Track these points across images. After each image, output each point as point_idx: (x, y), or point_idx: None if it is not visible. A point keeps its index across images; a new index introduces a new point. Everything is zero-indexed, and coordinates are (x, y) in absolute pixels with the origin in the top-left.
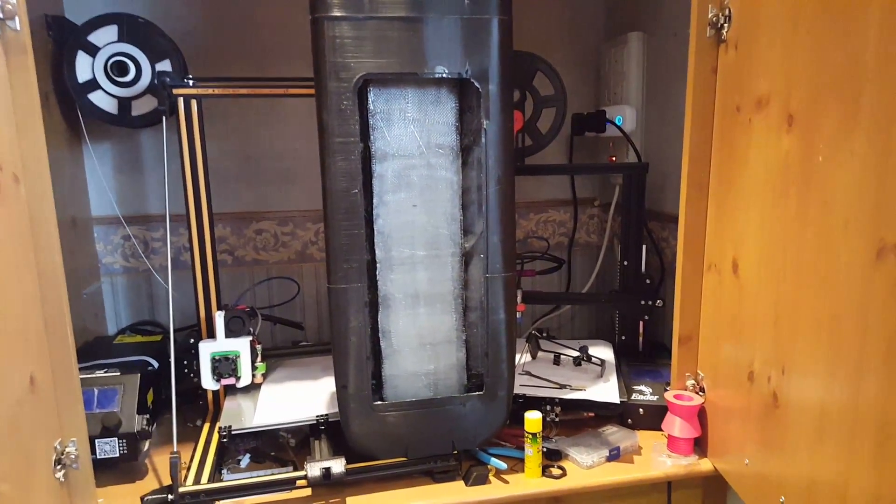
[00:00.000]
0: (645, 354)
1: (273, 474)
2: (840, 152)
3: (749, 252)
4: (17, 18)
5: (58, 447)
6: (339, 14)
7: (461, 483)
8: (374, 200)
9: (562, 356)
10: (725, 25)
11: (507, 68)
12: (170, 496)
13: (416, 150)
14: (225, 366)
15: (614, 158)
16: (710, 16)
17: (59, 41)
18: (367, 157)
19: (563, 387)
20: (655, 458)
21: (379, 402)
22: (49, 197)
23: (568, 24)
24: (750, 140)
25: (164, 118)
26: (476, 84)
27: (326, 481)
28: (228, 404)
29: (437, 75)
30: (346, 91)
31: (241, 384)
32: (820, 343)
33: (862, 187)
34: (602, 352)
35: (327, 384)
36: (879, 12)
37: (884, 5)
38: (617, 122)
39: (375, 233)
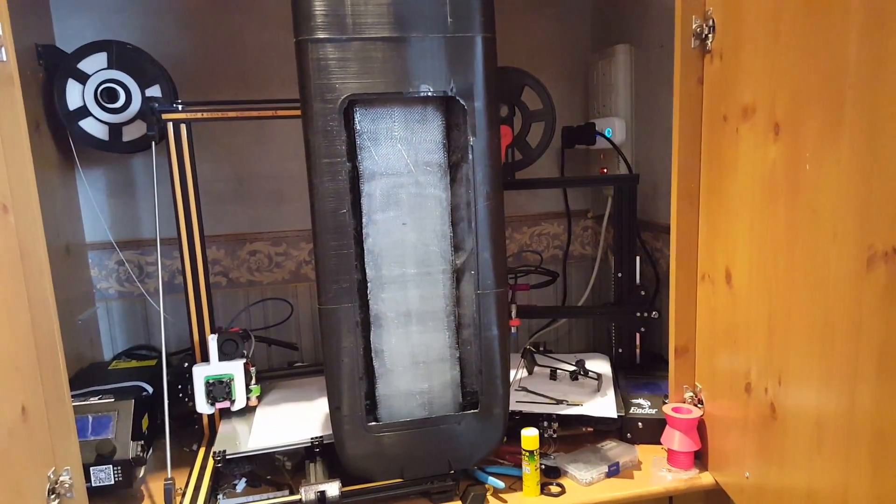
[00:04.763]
0: (642, 367)
1: (269, 498)
2: (826, 160)
3: (741, 261)
4: (3, 49)
5: (51, 476)
6: (322, 36)
7: (459, 503)
8: (364, 219)
9: (558, 371)
10: (710, 36)
11: (492, 85)
12: None
13: (403, 169)
14: (219, 389)
15: (605, 170)
16: (694, 27)
17: (49, 69)
18: (354, 177)
19: (559, 402)
20: (655, 472)
21: (373, 423)
22: (38, 226)
23: (555, 38)
24: (738, 149)
25: (153, 143)
26: (461, 101)
27: None
28: (223, 428)
29: (422, 94)
30: (332, 112)
31: (235, 407)
32: (814, 353)
33: (849, 195)
34: (599, 365)
35: (322, 405)
36: (859, 19)
37: (863, 12)
38: (606, 134)
39: (365, 252)
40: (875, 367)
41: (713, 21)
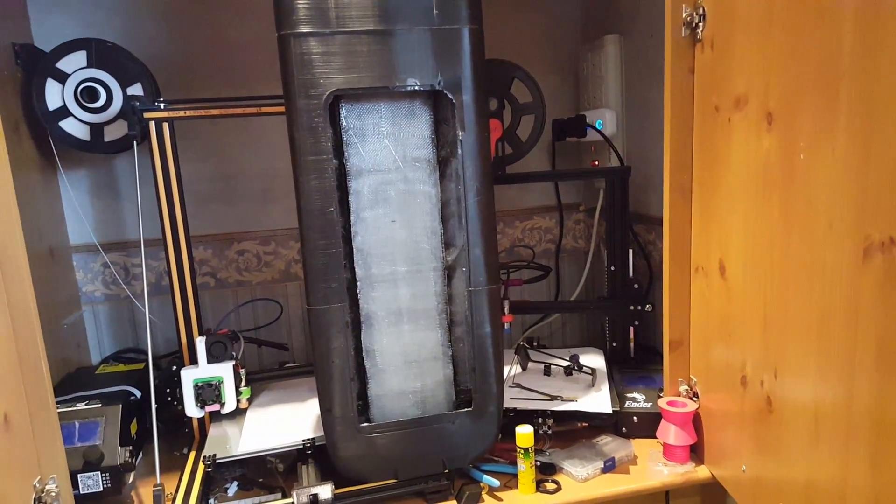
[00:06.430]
0: (637, 360)
1: (261, 502)
2: (821, 149)
3: (735, 254)
4: None
5: (37, 485)
6: (305, 30)
7: (454, 503)
8: (352, 217)
9: (552, 366)
10: (700, 25)
11: (480, 78)
12: None
13: (392, 165)
14: (208, 392)
15: (597, 163)
16: (684, 15)
17: (27, 69)
18: (342, 174)
19: (554, 398)
20: (651, 467)
21: (365, 424)
22: (17, 229)
23: (544, 29)
24: (730, 140)
25: (135, 143)
26: (449, 95)
27: None
28: (213, 431)
29: (409, 88)
30: (317, 108)
31: (225, 410)
32: (810, 345)
33: (845, 184)
34: (593, 359)
35: (314, 406)
36: (853, 5)
37: None
38: (597, 126)
39: (354, 250)
40: (873, 358)
41: (703, 9)
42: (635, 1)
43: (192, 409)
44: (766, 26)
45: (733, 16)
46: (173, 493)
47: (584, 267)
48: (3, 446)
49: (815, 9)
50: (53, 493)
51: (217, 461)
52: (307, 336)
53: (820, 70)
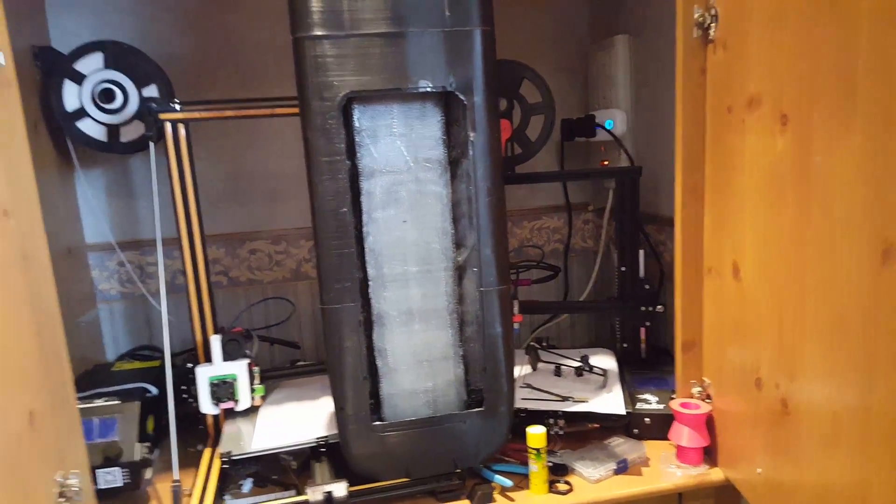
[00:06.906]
0: (648, 361)
1: (276, 499)
2: (837, 151)
3: (749, 255)
4: (1, 54)
5: (59, 480)
6: (320, 33)
7: (466, 502)
8: (364, 218)
9: (563, 367)
10: (712, 25)
11: (491, 79)
12: None
13: (403, 166)
14: (223, 390)
15: (606, 163)
16: (696, 16)
17: (46, 71)
18: (354, 175)
19: (565, 399)
20: (664, 469)
21: (378, 423)
22: (40, 229)
23: (552, 29)
24: (744, 141)
25: (151, 144)
26: (461, 96)
27: None
28: (228, 428)
29: (421, 90)
30: (331, 110)
31: (240, 407)
32: (828, 347)
33: (862, 186)
34: (604, 360)
35: (326, 404)
36: (869, 2)
37: None
38: (607, 126)
39: (366, 250)
40: (893, 361)
41: (716, 10)
42: (645, 1)
43: (207, 406)
44: (780, 26)
45: (746, 16)
46: (190, 488)
47: (593, 267)
48: (28, 442)
49: (829, 7)
50: (75, 488)
51: (233, 458)
52: (318, 334)
53: (835, 70)
